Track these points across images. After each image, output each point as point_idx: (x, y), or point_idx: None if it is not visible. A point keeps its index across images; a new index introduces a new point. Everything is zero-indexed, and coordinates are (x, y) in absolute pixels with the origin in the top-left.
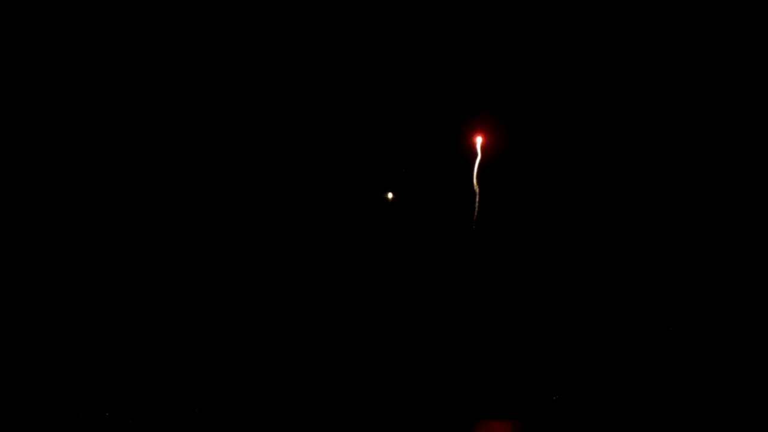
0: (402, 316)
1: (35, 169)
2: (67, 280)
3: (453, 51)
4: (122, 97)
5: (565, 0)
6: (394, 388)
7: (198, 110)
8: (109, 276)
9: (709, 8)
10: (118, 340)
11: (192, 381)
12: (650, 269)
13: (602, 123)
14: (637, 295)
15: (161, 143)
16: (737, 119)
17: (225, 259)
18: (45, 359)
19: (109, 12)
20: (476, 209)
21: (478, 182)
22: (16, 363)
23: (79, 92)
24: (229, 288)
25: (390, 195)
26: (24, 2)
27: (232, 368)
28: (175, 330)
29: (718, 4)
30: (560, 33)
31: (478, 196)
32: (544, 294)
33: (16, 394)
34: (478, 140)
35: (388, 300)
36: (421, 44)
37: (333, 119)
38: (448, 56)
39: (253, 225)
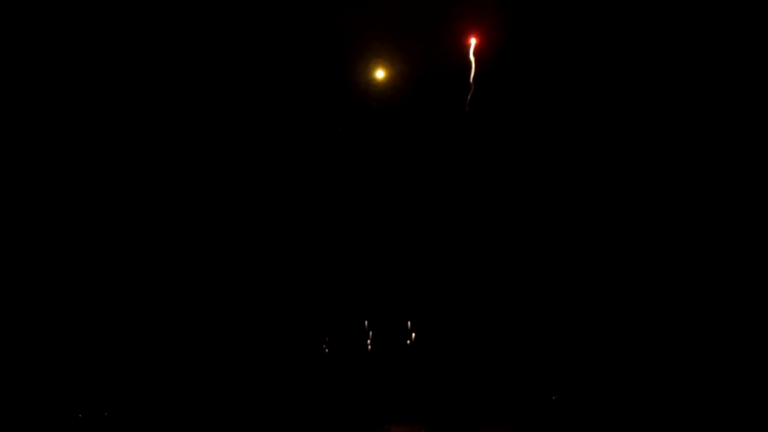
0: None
1: (35, 169)
2: (67, 280)
3: None
4: (122, 97)
5: None
6: (391, 388)
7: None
8: (108, 276)
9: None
10: (118, 340)
11: (192, 381)
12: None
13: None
14: (639, 287)
15: (161, 143)
16: (737, 117)
17: (223, 249)
18: (45, 359)
19: (109, 12)
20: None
21: (473, 82)
22: (16, 363)
23: (79, 92)
24: (228, 286)
25: (380, 74)
26: (24, 2)
27: (232, 368)
28: (175, 330)
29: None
30: None
31: (472, 91)
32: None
33: (16, 394)
34: (473, 41)
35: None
36: None
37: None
38: None
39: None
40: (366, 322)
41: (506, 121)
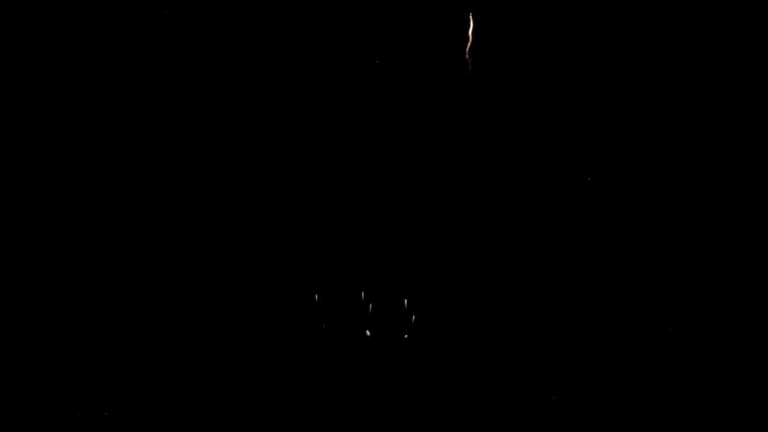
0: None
1: (35, 169)
2: (67, 280)
3: None
4: (122, 97)
5: None
6: (389, 387)
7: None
8: (108, 275)
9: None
10: (118, 340)
11: (192, 381)
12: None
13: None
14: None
15: (161, 142)
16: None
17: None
18: (45, 359)
19: (109, 12)
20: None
21: (470, 63)
22: (16, 363)
23: (79, 92)
24: (228, 286)
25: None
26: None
27: (232, 368)
28: (175, 330)
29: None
30: None
31: (470, 69)
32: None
33: (16, 394)
34: (470, 19)
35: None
36: None
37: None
38: None
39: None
40: (362, 293)
41: (506, 115)
